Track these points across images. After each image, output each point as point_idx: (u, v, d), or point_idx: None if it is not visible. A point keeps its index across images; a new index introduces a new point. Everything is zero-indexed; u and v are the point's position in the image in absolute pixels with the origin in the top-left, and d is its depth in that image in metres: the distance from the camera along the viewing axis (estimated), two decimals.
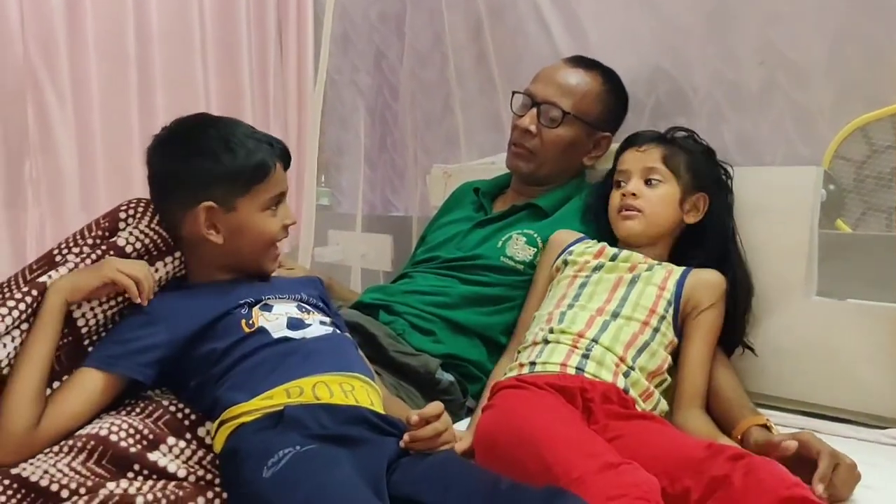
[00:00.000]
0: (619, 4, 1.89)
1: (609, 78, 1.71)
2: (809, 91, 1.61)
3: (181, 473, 1.07)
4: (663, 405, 1.34)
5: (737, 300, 1.43)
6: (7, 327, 1.09)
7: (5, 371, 1.09)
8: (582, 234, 1.54)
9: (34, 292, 1.12)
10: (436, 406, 1.11)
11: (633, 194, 1.44)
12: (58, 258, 1.22)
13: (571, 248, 1.49)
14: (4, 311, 1.09)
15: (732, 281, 1.42)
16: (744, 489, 0.98)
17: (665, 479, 1.02)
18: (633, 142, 1.52)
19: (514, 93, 1.75)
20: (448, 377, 1.47)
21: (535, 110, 1.67)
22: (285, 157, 1.27)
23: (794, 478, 1.01)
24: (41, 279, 1.14)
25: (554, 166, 1.71)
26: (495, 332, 1.57)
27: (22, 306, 1.10)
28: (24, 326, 1.12)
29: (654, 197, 1.44)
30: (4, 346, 1.09)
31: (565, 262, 1.48)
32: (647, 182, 1.45)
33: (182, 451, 1.10)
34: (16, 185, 1.97)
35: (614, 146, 1.77)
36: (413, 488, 0.98)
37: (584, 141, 1.70)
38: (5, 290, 1.17)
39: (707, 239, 1.46)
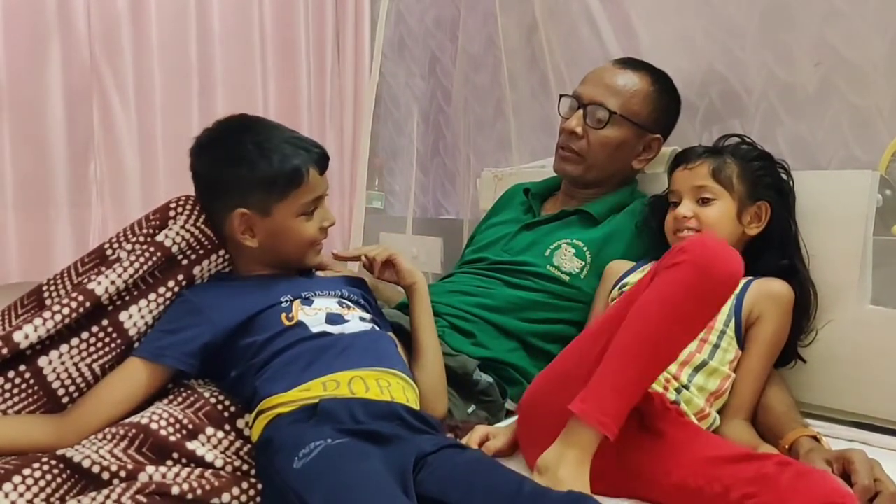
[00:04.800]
0: (672, 6, 1.86)
1: (658, 78, 1.68)
2: (867, 93, 1.55)
3: (218, 463, 1.10)
4: (717, 423, 1.31)
5: (799, 310, 1.39)
6: (48, 331, 1.14)
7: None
8: (635, 263, 1.51)
9: (80, 298, 1.16)
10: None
11: (687, 216, 1.41)
12: (108, 252, 1.27)
13: (626, 279, 1.47)
14: (47, 314, 1.14)
15: (796, 290, 1.38)
16: (791, 489, 0.94)
17: (702, 478, 1.00)
18: (682, 159, 1.48)
19: (561, 96, 1.74)
20: (487, 378, 1.46)
21: (581, 111, 1.66)
22: (322, 162, 1.28)
23: (847, 489, 0.97)
24: (90, 286, 1.18)
25: (602, 169, 1.69)
26: (536, 337, 1.56)
27: (66, 311, 1.15)
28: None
29: (709, 216, 1.40)
30: (27, 336, 1.13)
31: (621, 291, 1.45)
32: (699, 201, 1.41)
33: (220, 441, 1.13)
34: (81, 184, 2.05)
35: (666, 149, 1.75)
36: (438, 487, 0.99)
37: (633, 142, 1.68)
38: (57, 284, 1.23)
39: (771, 248, 1.42)
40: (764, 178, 1.43)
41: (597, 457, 1.04)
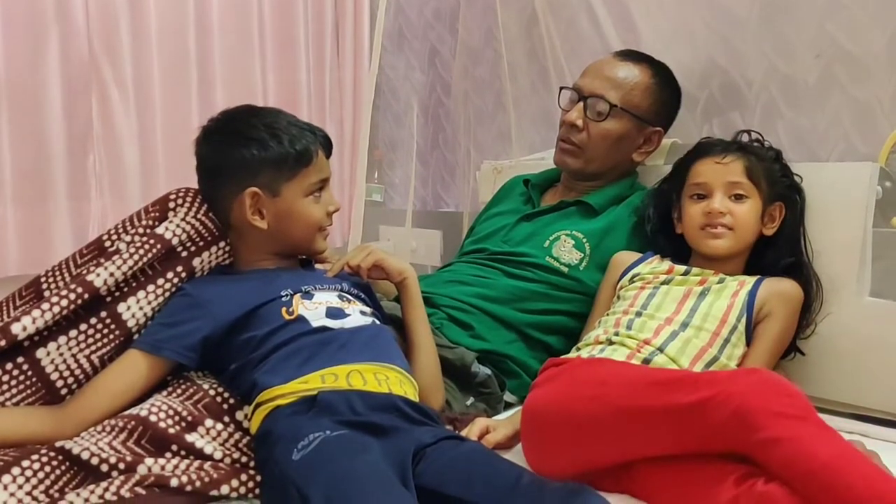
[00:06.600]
0: None
1: (659, 71, 1.68)
2: (868, 85, 1.55)
3: (217, 455, 1.10)
4: None
5: (802, 306, 1.39)
6: (46, 322, 1.14)
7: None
8: (642, 254, 1.50)
9: (79, 290, 1.16)
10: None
11: (722, 212, 1.36)
12: (107, 244, 1.27)
13: (636, 269, 1.46)
14: (46, 305, 1.14)
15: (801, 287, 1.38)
16: None
17: (691, 497, 1.01)
18: (708, 151, 1.43)
19: (561, 88, 1.74)
20: (485, 370, 1.46)
21: (581, 104, 1.65)
22: (327, 145, 1.32)
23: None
24: (89, 277, 1.18)
25: (603, 162, 1.68)
26: (534, 328, 1.56)
27: (65, 302, 1.15)
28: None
29: (742, 213, 1.37)
30: (25, 328, 1.13)
31: (631, 280, 1.44)
32: (732, 197, 1.38)
33: (219, 433, 1.13)
34: (80, 177, 2.05)
35: (666, 142, 1.75)
36: (437, 479, 0.99)
37: (634, 135, 1.67)
38: (55, 276, 1.23)
39: (778, 246, 1.42)
40: (783, 180, 1.43)
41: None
